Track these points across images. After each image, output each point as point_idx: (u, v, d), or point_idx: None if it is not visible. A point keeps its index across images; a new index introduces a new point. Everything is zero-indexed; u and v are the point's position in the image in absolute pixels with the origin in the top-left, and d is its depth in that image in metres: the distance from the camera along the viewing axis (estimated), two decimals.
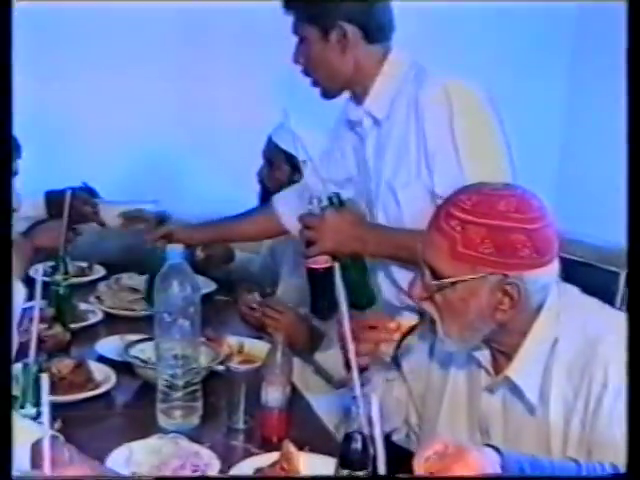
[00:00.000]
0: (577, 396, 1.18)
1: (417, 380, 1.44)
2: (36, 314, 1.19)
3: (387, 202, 1.74)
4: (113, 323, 2.04)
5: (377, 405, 1.06)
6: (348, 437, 1.13)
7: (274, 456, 1.34)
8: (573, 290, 1.30)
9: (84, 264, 2.47)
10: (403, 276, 1.68)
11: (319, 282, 1.65)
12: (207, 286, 2.38)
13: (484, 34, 2.76)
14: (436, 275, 1.21)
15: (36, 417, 1.12)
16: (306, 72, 1.78)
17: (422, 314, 1.34)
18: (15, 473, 1.00)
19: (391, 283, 1.80)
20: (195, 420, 1.53)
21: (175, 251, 1.50)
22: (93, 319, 2.04)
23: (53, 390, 1.54)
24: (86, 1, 2.43)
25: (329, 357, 1.87)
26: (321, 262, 1.68)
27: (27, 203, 2.22)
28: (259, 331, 1.99)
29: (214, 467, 1.34)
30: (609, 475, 1.08)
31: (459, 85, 1.64)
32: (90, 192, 2.27)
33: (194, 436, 1.46)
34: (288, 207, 1.99)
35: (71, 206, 2.14)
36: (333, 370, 1.89)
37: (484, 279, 1.18)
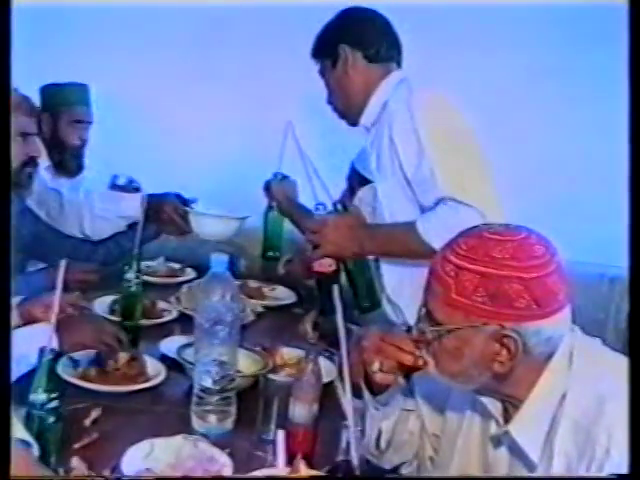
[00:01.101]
0: (581, 457, 1.10)
1: (432, 415, 1.40)
2: (56, 302, 1.26)
3: (372, 198, 1.93)
4: (186, 324, 2.13)
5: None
6: (335, 466, 1.14)
7: (284, 471, 1.35)
8: (594, 342, 1.21)
9: (177, 266, 2.60)
10: (400, 294, 1.90)
11: (325, 285, 1.72)
12: (288, 297, 2.45)
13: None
14: (433, 320, 1.17)
15: (46, 402, 1.20)
16: (334, 108, 2.02)
17: None
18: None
19: (387, 301, 1.95)
20: (228, 425, 1.56)
21: (219, 260, 1.55)
22: (167, 317, 2.15)
23: (106, 380, 1.67)
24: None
25: None
26: (325, 265, 1.82)
27: (126, 204, 2.38)
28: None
29: (225, 473, 1.36)
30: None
31: (425, 88, 1.84)
32: (183, 200, 2.38)
33: (223, 440, 1.49)
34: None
35: (162, 211, 2.29)
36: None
37: (478, 329, 1.13)
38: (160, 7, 2.68)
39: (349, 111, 1.98)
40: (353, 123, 2.00)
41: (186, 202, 2.35)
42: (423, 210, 1.80)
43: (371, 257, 1.93)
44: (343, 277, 1.90)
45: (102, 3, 2.67)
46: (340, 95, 1.97)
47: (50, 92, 2.40)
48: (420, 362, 1.22)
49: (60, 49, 2.77)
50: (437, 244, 1.67)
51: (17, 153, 1.94)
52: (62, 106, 2.41)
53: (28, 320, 1.64)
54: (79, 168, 2.51)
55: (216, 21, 2.79)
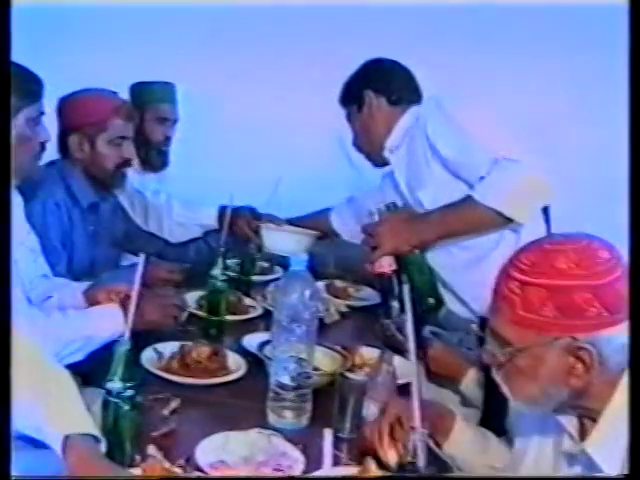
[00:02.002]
0: None
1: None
2: (134, 296, 1.31)
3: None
4: (271, 321, 2.15)
5: None
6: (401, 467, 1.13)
7: (354, 470, 1.35)
8: None
9: (266, 264, 2.64)
10: (465, 290, 1.97)
11: (388, 285, 1.75)
12: (373, 298, 2.44)
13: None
14: (502, 341, 1.14)
15: (122, 391, 1.24)
16: (359, 149, 2.18)
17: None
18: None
19: (454, 297, 2.01)
20: (304, 421, 1.57)
21: (299, 259, 1.57)
22: (253, 314, 2.19)
23: (188, 372, 1.72)
24: None
25: (470, 388, 1.83)
26: (386, 266, 1.88)
27: (203, 213, 2.47)
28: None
29: (296, 469, 1.38)
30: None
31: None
32: (255, 214, 2.44)
33: (297, 437, 1.50)
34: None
35: (235, 224, 2.33)
36: (477, 400, 1.85)
37: (551, 344, 1.09)
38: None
39: (374, 150, 2.12)
40: (377, 163, 2.15)
41: (259, 216, 2.40)
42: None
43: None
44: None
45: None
46: (365, 135, 2.13)
47: (137, 89, 2.50)
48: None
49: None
50: (498, 204, 1.79)
51: (113, 156, 2.04)
52: (148, 103, 2.50)
53: (93, 305, 1.72)
54: (164, 164, 2.60)
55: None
